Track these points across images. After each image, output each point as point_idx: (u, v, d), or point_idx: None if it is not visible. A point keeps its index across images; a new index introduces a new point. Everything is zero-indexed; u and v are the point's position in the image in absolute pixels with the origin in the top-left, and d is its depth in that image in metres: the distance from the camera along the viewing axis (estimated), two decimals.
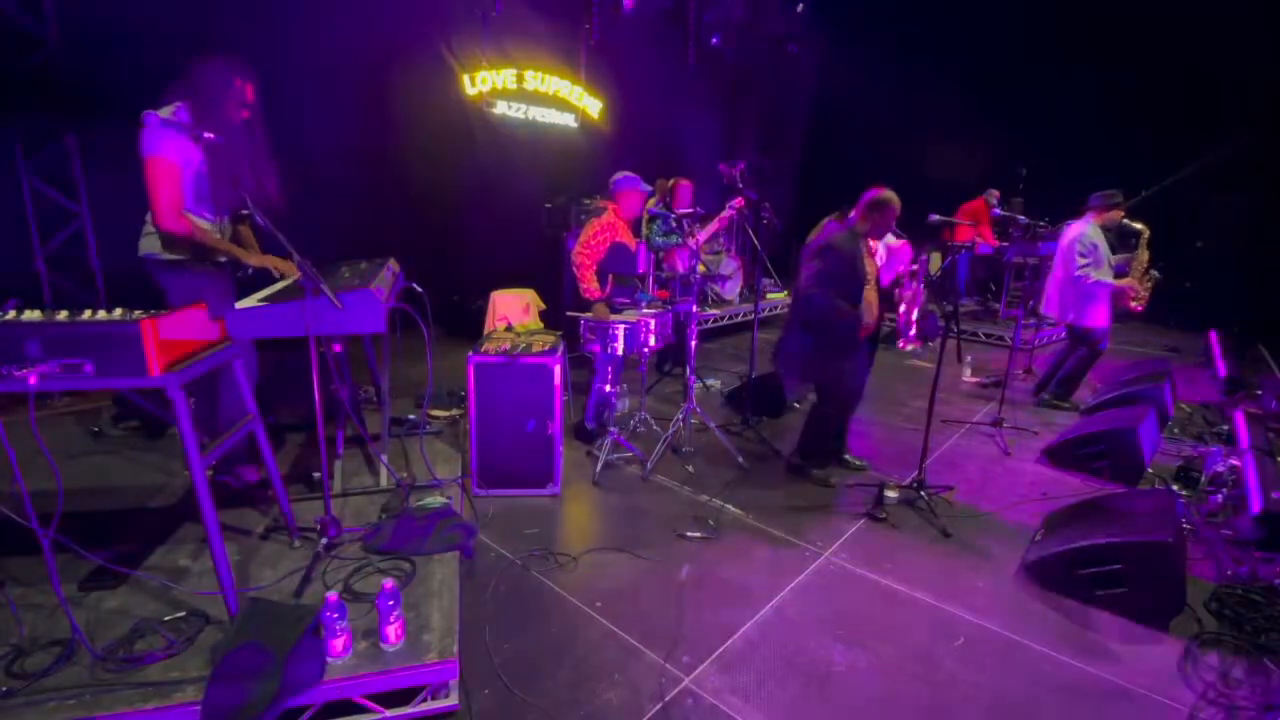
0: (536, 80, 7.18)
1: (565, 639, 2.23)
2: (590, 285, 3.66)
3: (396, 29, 5.93)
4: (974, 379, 5.62)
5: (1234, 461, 3.50)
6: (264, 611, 1.90)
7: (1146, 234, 4.35)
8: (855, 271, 3.21)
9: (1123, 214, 4.38)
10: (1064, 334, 5.13)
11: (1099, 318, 4.49)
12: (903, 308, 6.12)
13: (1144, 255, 4.37)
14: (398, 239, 4.19)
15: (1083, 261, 4.41)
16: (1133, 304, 4.41)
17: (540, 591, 2.50)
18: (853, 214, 3.30)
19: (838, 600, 2.52)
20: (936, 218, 3.65)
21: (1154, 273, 4.38)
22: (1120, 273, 4.42)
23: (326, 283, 2.15)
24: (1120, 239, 4.57)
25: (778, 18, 9.21)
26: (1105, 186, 4.53)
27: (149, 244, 2.53)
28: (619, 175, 3.86)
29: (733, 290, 7.34)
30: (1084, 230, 4.46)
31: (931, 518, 3.13)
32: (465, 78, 6.65)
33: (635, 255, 3.77)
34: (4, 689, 1.63)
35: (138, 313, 1.77)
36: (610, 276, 3.81)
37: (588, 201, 6.46)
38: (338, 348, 2.81)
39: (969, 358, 5.76)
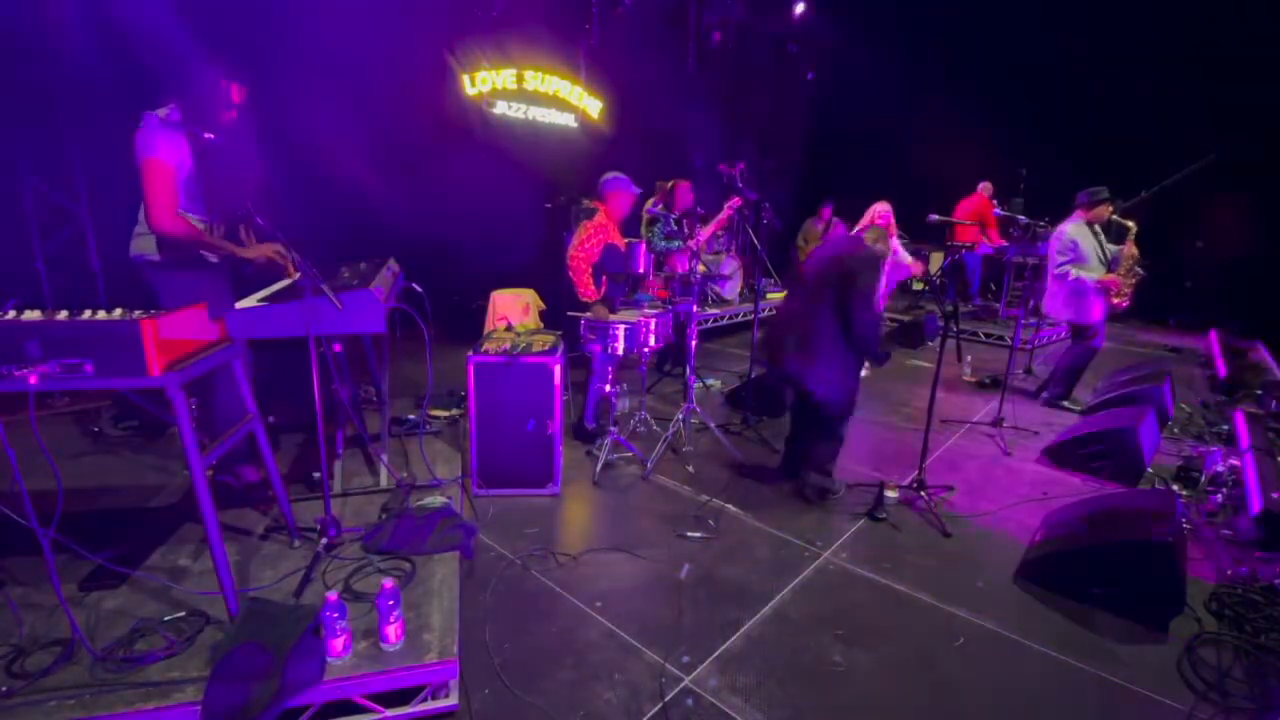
0: (536, 80, 7.18)
1: (565, 639, 2.23)
2: (587, 287, 3.72)
3: (397, 29, 5.93)
4: (973, 378, 5.62)
5: (1234, 461, 3.50)
6: (264, 611, 1.90)
7: (1134, 230, 4.38)
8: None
9: (1111, 210, 4.41)
10: (1066, 333, 5.14)
11: (1094, 312, 4.51)
12: None
13: (1131, 251, 4.40)
14: (398, 239, 4.19)
15: (1061, 259, 4.48)
16: (1115, 299, 4.43)
17: (540, 591, 2.49)
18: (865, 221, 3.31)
19: (838, 600, 2.51)
20: (936, 218, 3.66)
21: (1138, 269, 4.40)
22: (1115, 266, 4.45)
23: (326, 283, 2.15)
24: (1113, 236, 4.60)
25: (778, 18, 9.21)
26: (1106, 186, 4.53)
27: (141, 245, 2.51)
28: (607, 176, 3.89)
29: (733, 290, 7.34)
30: (1064, 229, 4.52)
31: (931, 518, 3.13)
32: (465, 78, 6.66)
33: (628, 255, 3.79)
34: (4, 689, 1.63)
35: (138, 313, 1.77)
36: (605, 277, 3.83)
37: (586, 202, 6.46)
38: (338, 347, 2.81)
39: (969, 357, 5.76)
